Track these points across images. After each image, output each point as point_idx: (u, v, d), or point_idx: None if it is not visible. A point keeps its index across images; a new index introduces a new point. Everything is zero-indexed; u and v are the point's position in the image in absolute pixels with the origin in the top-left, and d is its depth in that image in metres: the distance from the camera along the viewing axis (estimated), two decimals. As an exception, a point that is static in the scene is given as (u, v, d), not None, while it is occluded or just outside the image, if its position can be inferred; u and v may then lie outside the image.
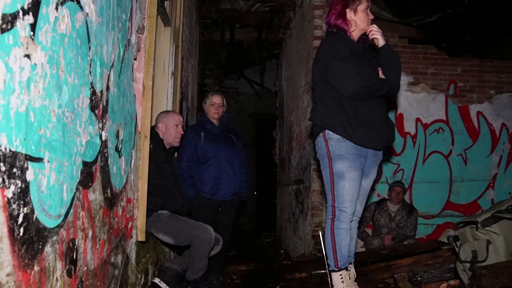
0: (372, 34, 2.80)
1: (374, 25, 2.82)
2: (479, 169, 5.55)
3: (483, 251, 2.60)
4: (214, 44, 8.40)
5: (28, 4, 1.27)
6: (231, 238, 4.09)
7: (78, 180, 1.74)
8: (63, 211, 1.58)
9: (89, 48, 1.83)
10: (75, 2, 1.66)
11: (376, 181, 5.24)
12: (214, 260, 3.79)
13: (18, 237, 1.25)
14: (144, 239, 2.89)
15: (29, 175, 1.31)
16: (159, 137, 3.39)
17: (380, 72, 2.82)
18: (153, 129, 3.31)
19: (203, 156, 3.91)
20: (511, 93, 5.62)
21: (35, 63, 1.33)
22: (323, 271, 3.12)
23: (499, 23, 6.64)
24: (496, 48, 6.98)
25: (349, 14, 2.79)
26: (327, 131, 2.75)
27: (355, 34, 2.83)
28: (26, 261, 1.31)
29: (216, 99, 4.05)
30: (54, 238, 1.51)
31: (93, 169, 1.95)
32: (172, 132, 3.42)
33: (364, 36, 2.88)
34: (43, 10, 1.37)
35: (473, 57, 5.91)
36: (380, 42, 2.80)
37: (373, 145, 2.76)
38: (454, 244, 2.86)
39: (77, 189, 1.73)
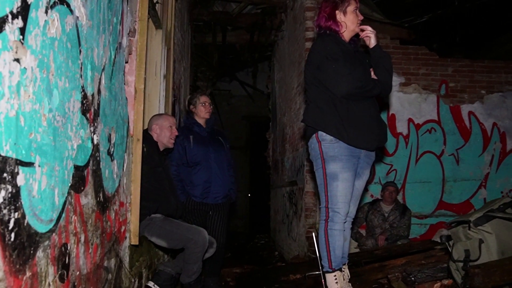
0: (366, 34, 2.82)
1: (369, 26, 2.84)
2: (471, 169, 5.58)
3: (476, 250, 2.62)
4: (206, 47, 8.40)
5: (17, 8, 1.26)
6: (226, 241, 4.07)
7: (69, 184, 1.73)
8: (55, 216, 1.57)
9: (80, 51, 1.83)
10: (65, 6, 1.65)
11: (369, 182, 5.24)
12: (211, 264, 3.78)
13: (9, 242, 1.24)
14: (137, 243, 2.87)
15: (20, 180, 1.30)
16: (153, 140, 3.38)
17: (372, 73, 2.84)
18: (146, 132, 3.30)
19: (193, 160, 3.88)
20: (502, 93, 5.67)
21: (24, 67, 1.32)
22: (317, 273, 3.12)
23: (489, 23, 6.69)
24: (486, 48, 7.03)
25: (339, 15, 2.81)
26: (320, 132, 2.75)
27: (346, 35, 2.84)
28: (18, 266, 1.30)
29: (206, 99, 4.04)
30: (46, 243, 1.50)
31: (85, 173, 1.94)
32: (166, 133, 3.41)
33: (355, 37, 2.90)
34: (32, 14, 1.36)
35: (464, 58, 5.96)
36: (372, 42, 2.82)
37: (366, 146, 2.77)
38: (447, 243, 2.87)
39: (69, 193, 1.71)
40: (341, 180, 2.71)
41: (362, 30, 2.83)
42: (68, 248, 1.72)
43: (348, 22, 2.80)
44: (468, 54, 6.47)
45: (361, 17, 2.85)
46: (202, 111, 4.00)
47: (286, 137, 6.84)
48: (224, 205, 4.03)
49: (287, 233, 6.61)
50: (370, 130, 2.75)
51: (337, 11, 2.80)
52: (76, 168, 1.81)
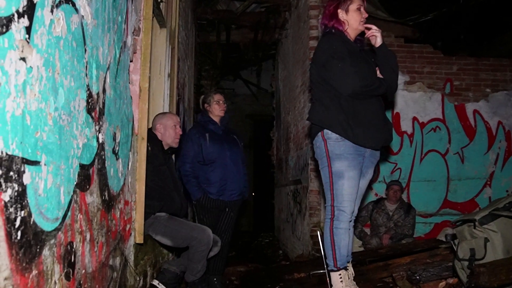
0: (372, 33, 2.81)
1: (374, 25, 2.83)
2: (476, 167, 5.56)
3: (481, 249, 2.61)
4: (210, 45, 8.41)
5: (23, 7, 1.27)
6: (231, 239, 4.09)
7: (75, 183, 1.73)
8: (61, 214, 1.58)
9: (85, 50, 1.83)
10: (71, 5, 1.66)
11: (373, 181, 5.24)
12: (214, 261, 3.80)
13: (16, 240, 1.25)
14: (142, 241, 2.88)
15: (26, 179, 1.30)
16: (157, 138, 3.38)
17: (378, 72, 2.83)
18: (150, 131, 3.30)
19: (209, 157, 3.92)
20: (507, 91, 5.64)
21: (30, 66, 1.32)
22: (321, 271, 3.12)
23: (493, 21, 6.66)
24: (491, 46, 7.00)
25: (341, 14, 2.80)
26: (325, 131, 2.75)
27: (351, 34, 2.83)
28: (24, 264, 1.30)
29: (220, 97, 4.09)
30: (52, 241, 1.50)
31: (90, 172, 1.95)
32: (171, 132, 3.42)
33: (361, 36, 2.89)
34: (38, 13, 1.36)
35: (469, 56, 5.92)
36: (378, 41, 2.80)
37: (372, 145, 2.76)
38: (452, 242, 2.86)
39: (74, 192, 1.72)
40: (347, 179, 2.70)
41: (368, 29, 2.82)
42: (74, 246, 1.73)
43: (351, 20, 2.80)
44: (473, 52, 6.44)
45: (366, 15, 2.83)
46: (217, 109, 4.04)
47: (290, 135, 6.83)
48: (238, 202, 4.11)
49: (291, 232, 6.61)
50: (376, 129, 2.75)
51: (339, 10, 2.80)
52: (82, 166, 1.82)
